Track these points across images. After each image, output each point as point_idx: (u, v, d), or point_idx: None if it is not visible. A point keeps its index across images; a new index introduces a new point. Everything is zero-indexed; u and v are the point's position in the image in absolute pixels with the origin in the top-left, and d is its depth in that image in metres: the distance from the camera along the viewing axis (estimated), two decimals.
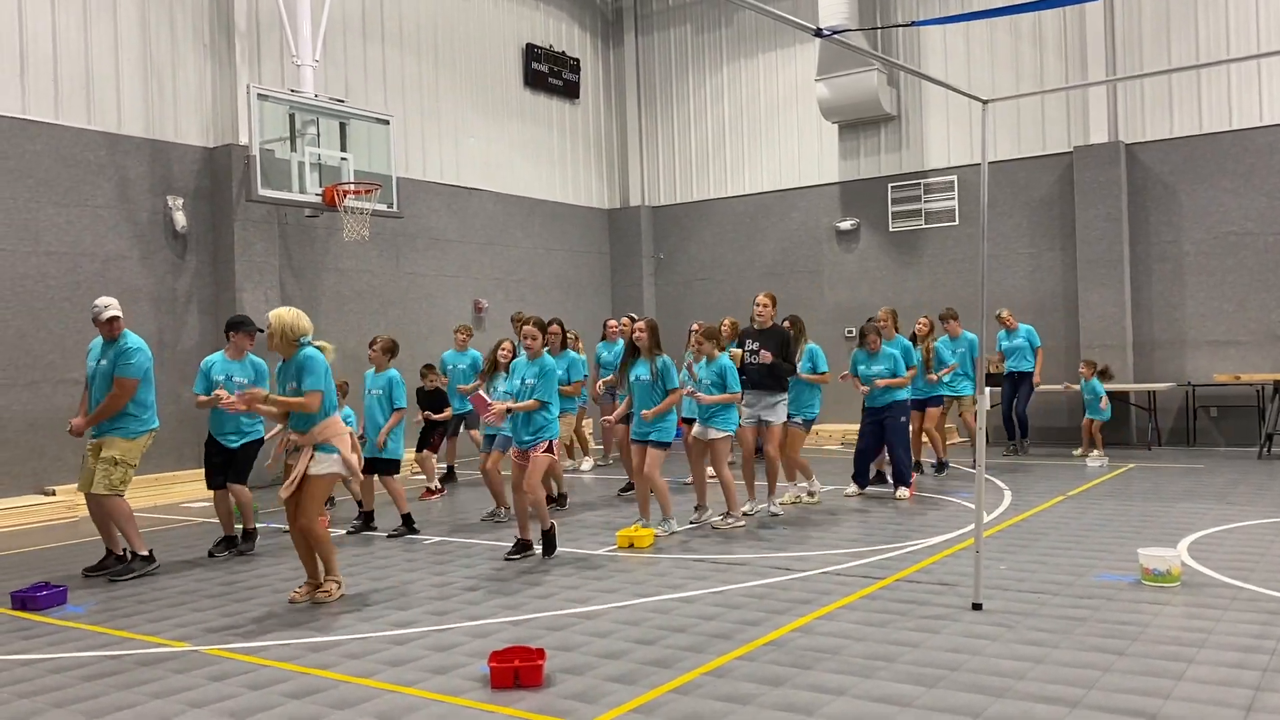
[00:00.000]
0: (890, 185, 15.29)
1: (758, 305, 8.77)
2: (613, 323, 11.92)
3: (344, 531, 8.48)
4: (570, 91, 16.88)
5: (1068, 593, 5.70)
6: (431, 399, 10.45)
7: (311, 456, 5.98)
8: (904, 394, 9.54)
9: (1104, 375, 12.07)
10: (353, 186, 11.83)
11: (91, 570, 7.17)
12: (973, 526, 5.66)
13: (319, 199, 11.74)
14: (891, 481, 9.65)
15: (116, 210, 11.20)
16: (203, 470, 11.38)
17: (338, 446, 6.04)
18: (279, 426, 8.53)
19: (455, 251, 14.85)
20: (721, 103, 16.90)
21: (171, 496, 11.07)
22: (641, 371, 7.79)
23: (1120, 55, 13.53)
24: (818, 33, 4.48)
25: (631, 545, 7.37)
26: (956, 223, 14.80)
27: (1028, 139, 14.24)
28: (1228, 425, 12.94)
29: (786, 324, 9.09)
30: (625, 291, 17.45)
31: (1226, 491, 9.19)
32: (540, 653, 4.52)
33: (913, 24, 4.53)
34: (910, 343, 10.31)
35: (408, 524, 8.45)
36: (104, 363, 7.06)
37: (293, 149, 11.58)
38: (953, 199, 14.85)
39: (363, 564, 7.23)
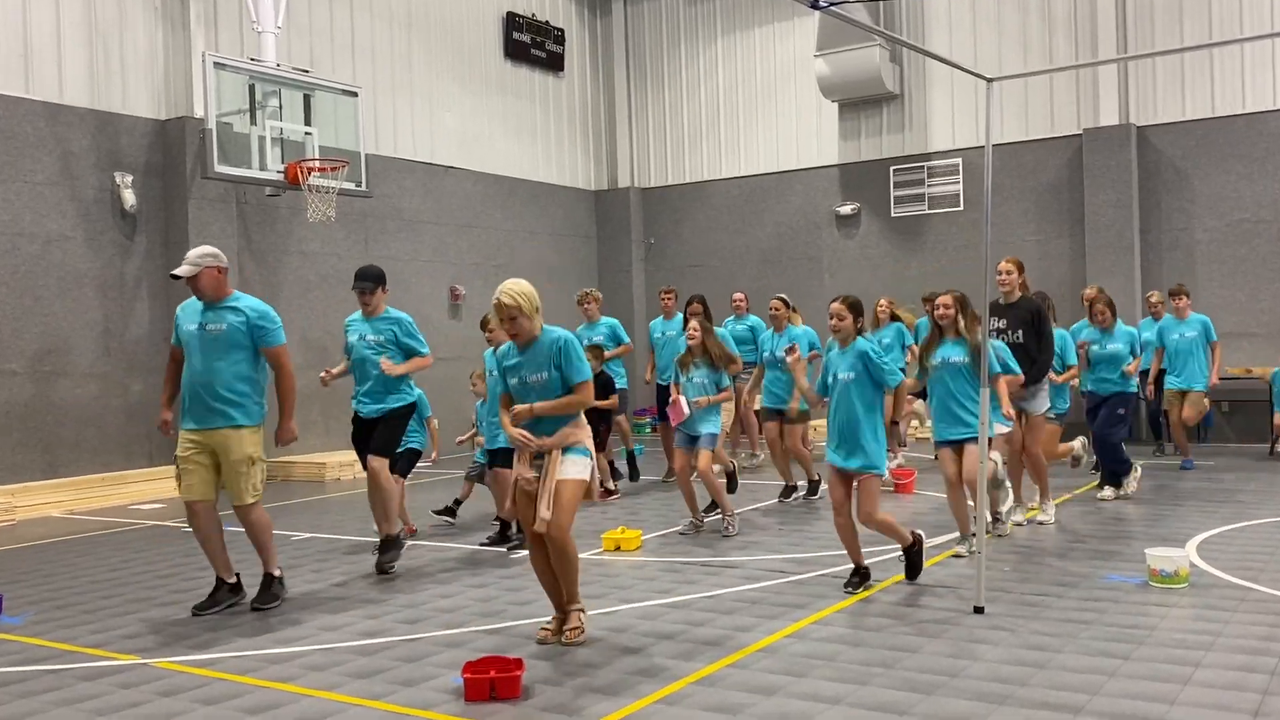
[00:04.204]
0: (892, 168, 15.31)
1: (999, 274, 7.60)
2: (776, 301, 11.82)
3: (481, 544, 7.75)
4: (554, 64, 16.81)
5: (1073, 595, 5.75)
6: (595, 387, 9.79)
7: (560, 461, 5.10)
8: (1133, 384, 9.00)
9: None
10: (318, 163, 11.73)
11: (203, 607, 5.99)
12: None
13: (281, 176, 11.65)
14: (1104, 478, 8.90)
15: (59, 187, 11.05)
16: (153, 468, 11.44)
17: (590, 448, 5.25)
18: (472, 430, 7.89)
19: (430, 234, 14.78)
20: (715, 78, 16.87)
21: (120, 498, 10.75)
22: (952, 354, 6.72)
23: (1132, 34, 13.58)
24: (814, 4, 4.48)
25: (618, 548, 7.37)
26: (961, 208, 14.85)
27: (1035, 120, 14.29)
28: (1239, 421, 13.04)
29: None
30: (613, 278, 17.42)
31: (1236, 489, 9.28)
32: (518, 663, 4.52)
33: None
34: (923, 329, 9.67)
35: (503, 531, 7.66)
36: (205, 329, 5.89)
37: (253, 122, 11.48)
38: (957, 183, 14.89)
39: (337, 564, 7.21)
